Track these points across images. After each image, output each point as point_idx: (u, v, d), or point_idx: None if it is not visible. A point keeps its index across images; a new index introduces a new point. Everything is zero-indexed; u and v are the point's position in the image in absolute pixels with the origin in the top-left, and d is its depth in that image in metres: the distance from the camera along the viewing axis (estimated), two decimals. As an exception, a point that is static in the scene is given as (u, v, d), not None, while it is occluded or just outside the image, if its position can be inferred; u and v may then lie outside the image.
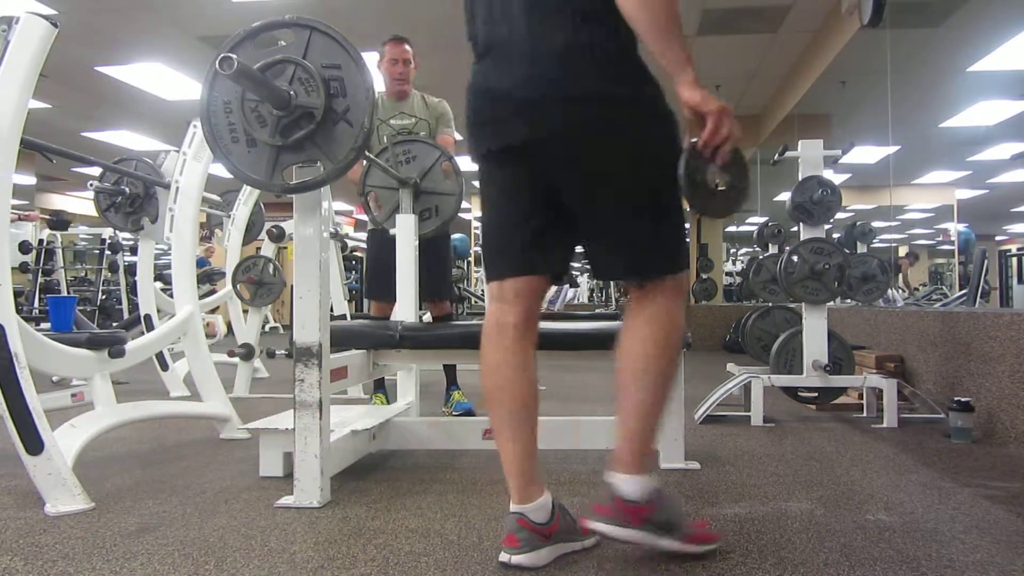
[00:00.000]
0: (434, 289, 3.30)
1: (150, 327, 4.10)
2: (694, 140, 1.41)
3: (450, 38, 5.78)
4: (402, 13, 5.32)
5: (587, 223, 1.50)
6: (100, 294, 8.60)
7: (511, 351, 1.49)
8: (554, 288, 13.13)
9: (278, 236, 4.56)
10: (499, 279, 1.53)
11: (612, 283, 13.78)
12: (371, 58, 6.36)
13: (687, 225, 1.47)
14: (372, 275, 3.47)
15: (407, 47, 3.34)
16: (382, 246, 3.15)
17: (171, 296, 3.17)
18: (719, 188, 1.43)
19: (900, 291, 8.18)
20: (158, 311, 4.32)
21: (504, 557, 1.44)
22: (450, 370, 3.53)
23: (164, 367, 4.18)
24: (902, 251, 10.10)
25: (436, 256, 3.25)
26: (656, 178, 1.45)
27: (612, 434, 2.41)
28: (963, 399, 2.77)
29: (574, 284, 13.03)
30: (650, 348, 1.45)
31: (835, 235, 6.53)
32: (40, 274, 7.70)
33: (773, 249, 5.55)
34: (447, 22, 5.49)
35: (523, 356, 1.50)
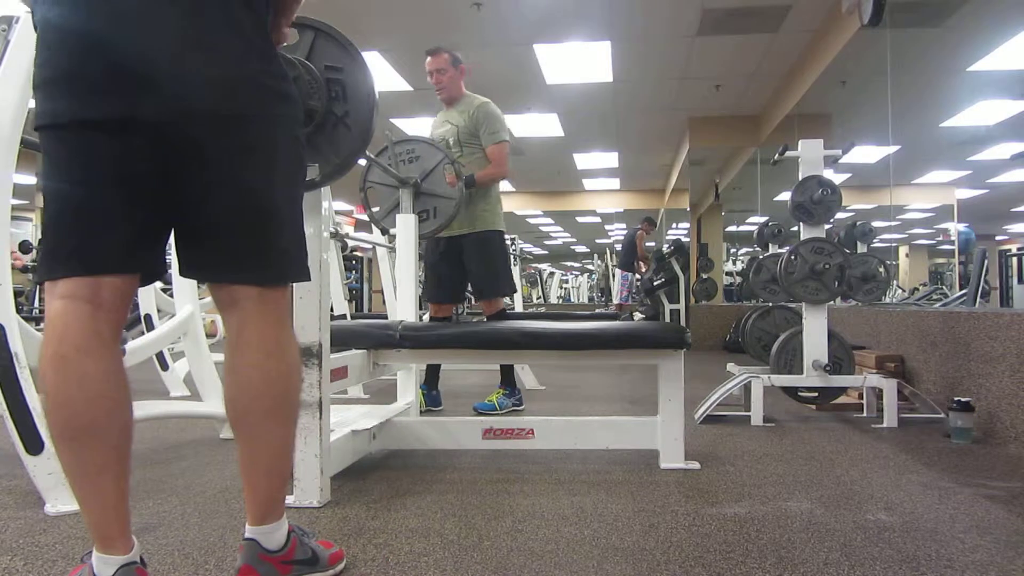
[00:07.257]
0: (479, 288, 3.38)
1: (150, 327, 4.11)
2: None
3: (455, 36, 5.79)
4: (405, 12, 5.31)
5: None
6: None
7: None
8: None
9: (278, 236, 4.55)
10: None
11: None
12: (372, 58, 6.29)
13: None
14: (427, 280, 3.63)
15: (438, 56, 3.31)
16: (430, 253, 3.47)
17: (171, 296, 3.17)
18: None
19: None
20: (158, 311, 4.32)
21: None
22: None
23: (164, 367, 4.18)
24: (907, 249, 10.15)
25: (481, 256, 3.33)
26: None
27: (612, 433, 2.43)
28: (963, 399, 2.77)
29: None
30: None
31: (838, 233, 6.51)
32: (40, 274, 7.71)
33: (773, 249, 5.55)
34: (451, 20, 5.51)
35: None
